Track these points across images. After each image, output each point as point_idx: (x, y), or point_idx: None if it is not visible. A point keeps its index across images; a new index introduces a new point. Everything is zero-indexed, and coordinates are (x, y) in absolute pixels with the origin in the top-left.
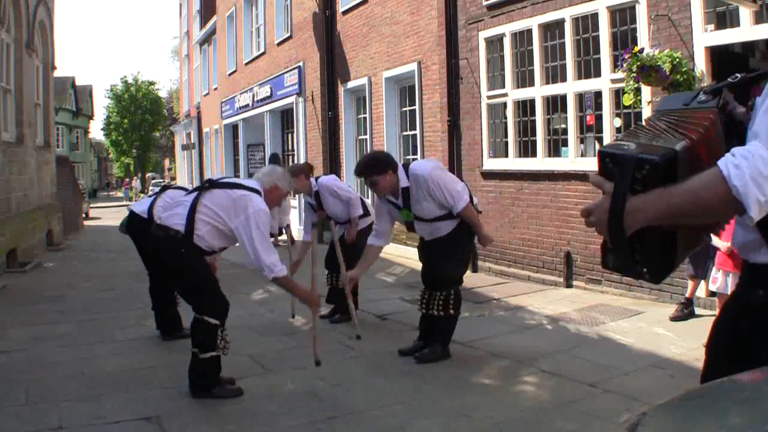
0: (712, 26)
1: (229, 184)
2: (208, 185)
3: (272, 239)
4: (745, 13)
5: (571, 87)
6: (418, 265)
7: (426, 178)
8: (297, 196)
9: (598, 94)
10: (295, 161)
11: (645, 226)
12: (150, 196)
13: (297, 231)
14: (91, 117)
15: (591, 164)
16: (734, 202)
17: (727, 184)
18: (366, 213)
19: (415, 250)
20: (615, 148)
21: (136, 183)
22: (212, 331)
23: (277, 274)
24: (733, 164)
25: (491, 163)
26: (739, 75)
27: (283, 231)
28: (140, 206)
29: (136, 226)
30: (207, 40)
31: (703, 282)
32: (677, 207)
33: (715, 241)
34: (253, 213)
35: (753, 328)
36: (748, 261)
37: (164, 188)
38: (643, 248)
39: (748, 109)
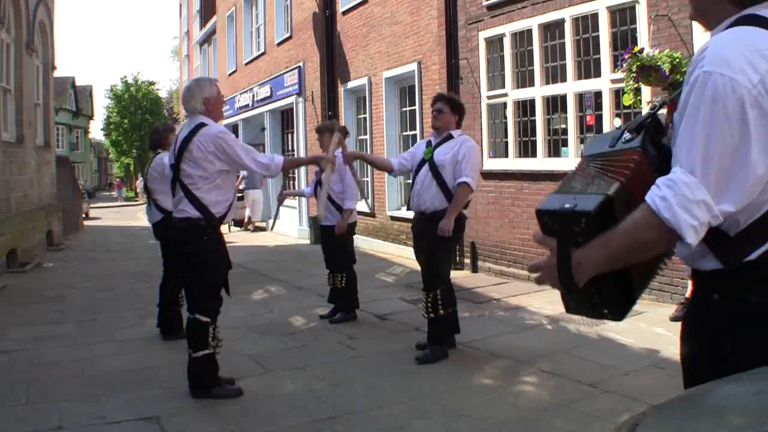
0: None
1: (183, 144)
2: (176, 166)
3: (242, 227)
4: None
5: (571, 87)
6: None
7: (467, 144)
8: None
9: (598, 94)
10: None
11: (595, 274)
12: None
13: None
14: (91, 117)
15: None
16: (670, 232)
17: (658, 217)
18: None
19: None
20: (550, 204)
21: (140, 183)
22: (204, 329)
23: (279, 164)
24: (659, 197)
25: (491, 164)
26: (657, 103)
27: (250, 221)
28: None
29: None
30: (207, 40)
31: None
32: (618, 252)
33: None
34: (216, 136)
35: (718, 331)
36: (697, 269)
37: None
38: (599, 292)
39: (667, 126)
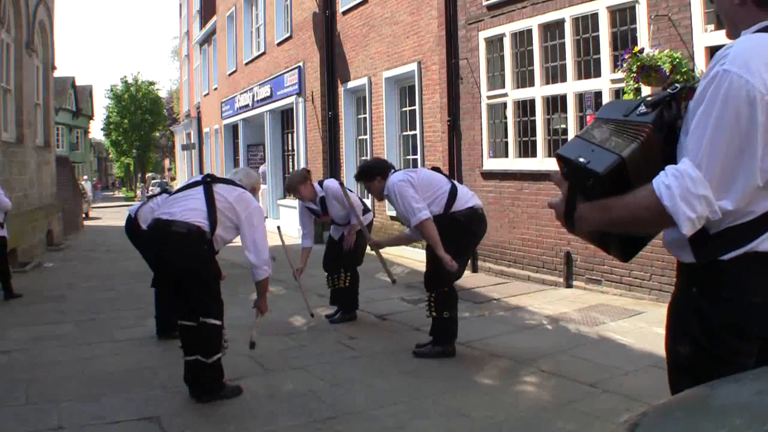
0: (712, 26)
1: (227, 181)
2: (210, 180)
3: None
4: None
5: (571, 87)
6: (418, 265)
7: (390, 188)
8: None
9: (598, 94)
10: (295, 161)
11: (593, 230)
12: (147, 198)
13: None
14: (91, 117)
15: None
16: (668, 218)
17: (660, 203)
18: (365, 210)
19: (415, 250)
20: (569, 151)
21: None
22: (218, 332)
23: (270, 272)
24: (665, 184)
25: (491, 163)
26: (678, 85)
27: None
28: (133, 209)
29: (134, 229)
30: (207, 40)
31: None
32: (617, 221)
33: None
34: (255, 209)
35: (695, 321)
36: (678, 259)
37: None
38: (605, 237)
39: (680, 110)
